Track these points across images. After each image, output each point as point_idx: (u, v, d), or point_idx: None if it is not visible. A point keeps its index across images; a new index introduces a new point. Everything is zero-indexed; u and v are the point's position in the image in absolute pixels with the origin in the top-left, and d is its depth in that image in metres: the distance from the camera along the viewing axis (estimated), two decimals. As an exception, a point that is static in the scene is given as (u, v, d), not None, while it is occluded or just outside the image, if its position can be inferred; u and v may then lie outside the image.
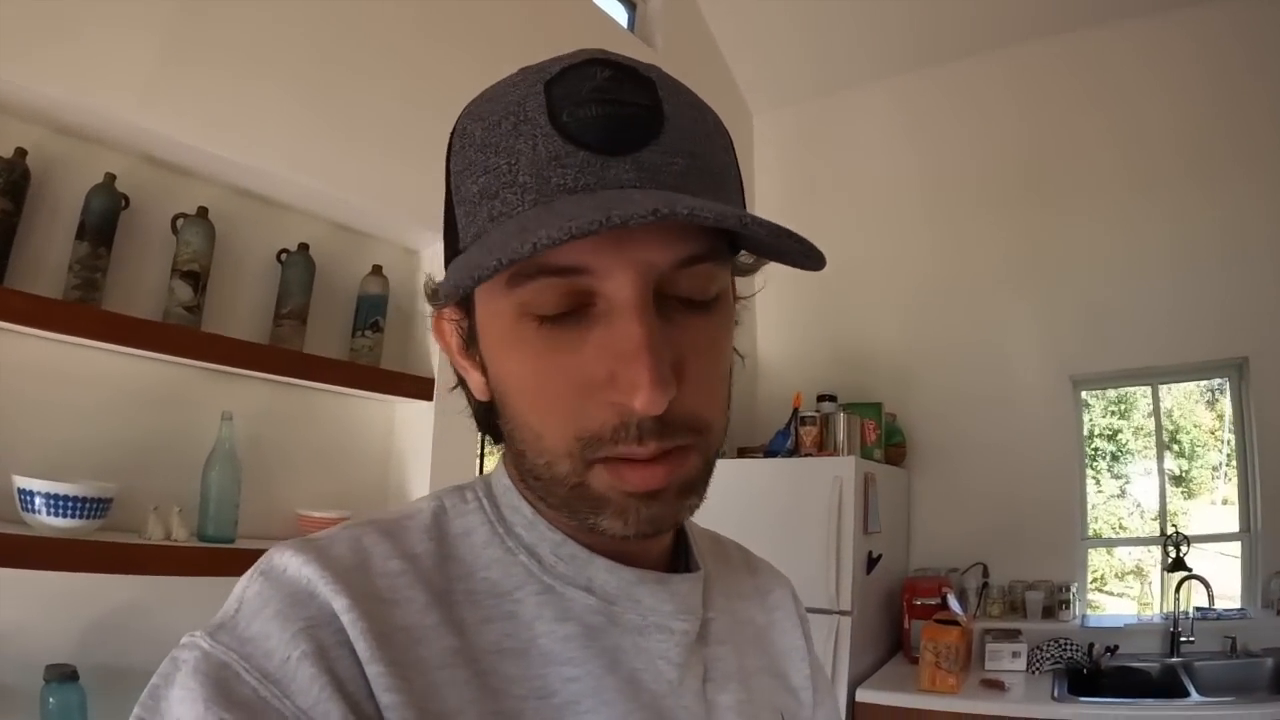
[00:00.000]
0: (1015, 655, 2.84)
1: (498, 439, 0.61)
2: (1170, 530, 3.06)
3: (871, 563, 3.02)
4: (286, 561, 0.52)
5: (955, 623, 2.78)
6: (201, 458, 1.90)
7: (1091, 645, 2.84)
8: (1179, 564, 2.91)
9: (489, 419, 0.60)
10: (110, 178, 1.83)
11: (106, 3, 1.77)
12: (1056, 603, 3.08)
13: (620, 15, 3.61)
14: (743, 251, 0.58)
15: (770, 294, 2.86)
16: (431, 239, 2.40)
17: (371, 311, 2.29)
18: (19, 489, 1.60)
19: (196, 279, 1.92)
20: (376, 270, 2.33)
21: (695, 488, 0.54)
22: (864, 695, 2.72)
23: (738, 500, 3.04)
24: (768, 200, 4.13)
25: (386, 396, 2.30)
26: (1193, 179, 3.17)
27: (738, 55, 4.08)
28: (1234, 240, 3.08)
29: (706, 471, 0.55)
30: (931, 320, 3.66)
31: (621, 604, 0.58)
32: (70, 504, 1.61)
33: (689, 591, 0.61)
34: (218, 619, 0.50)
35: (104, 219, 1.80)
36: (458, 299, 0.54)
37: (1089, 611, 3.24)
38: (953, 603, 2.95)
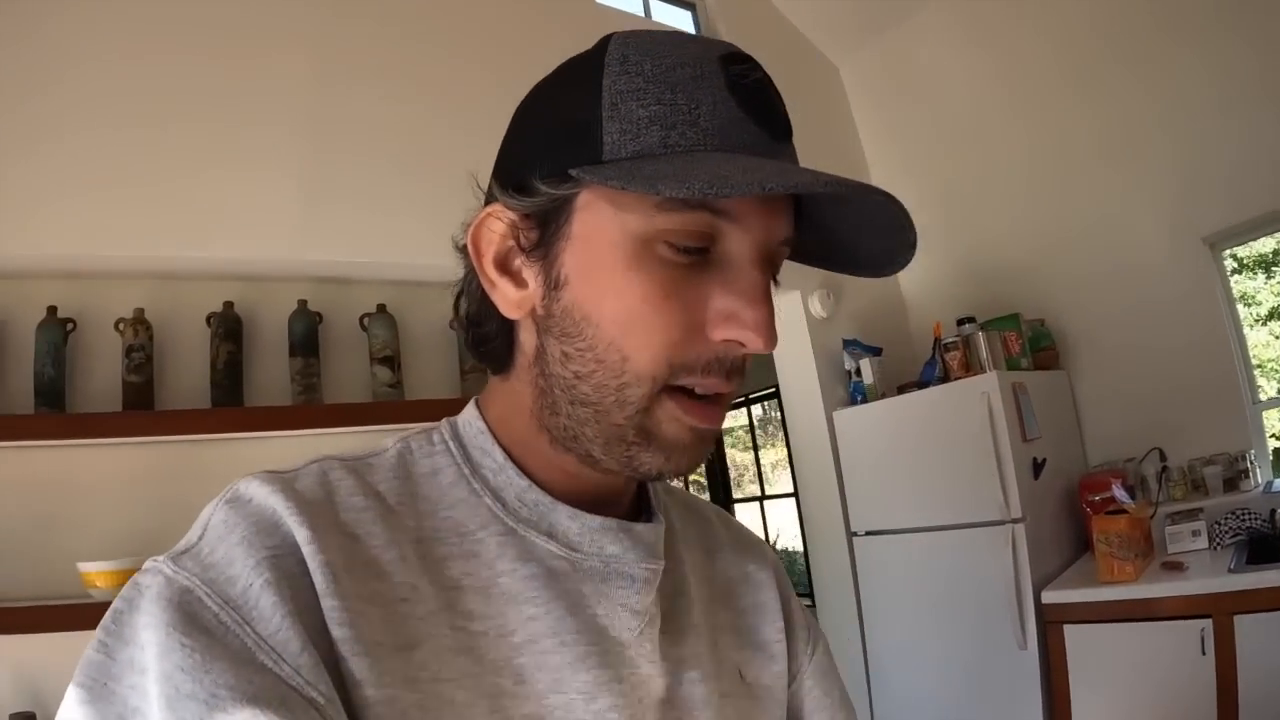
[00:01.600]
0: (1195, 534, 2.82)
1: (500, 366, 0.62)
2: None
3: (1037, 468, 3.09)
4: (253, 491, 0.52)
5: (1124, 511, 2.81)
6: None
7: (1273, 511, 2.74)
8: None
9: (500, 340, 0.61)
10: (303, 303, 2.38)
11: (247, 173, 2.35)
12: (1237, 473, 2.98)
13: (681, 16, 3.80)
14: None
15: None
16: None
17: None
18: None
19: (391, 361, 2.43)
20: None
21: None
22: (1049, 596, 2.81)
23: (904, 435, 3.25)
24: (875, 146, 4.23)
25: None
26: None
27: (800, 10, 4.16)
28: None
29: None
30: (1049, 216, 3.61)
31: (584, 550, 0.58)
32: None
33: (651, 539, 0.61)
34: (181, 545, 0.51)
35: (306, 335, 2.32)
36: (535, 206, 0.54)
37: (1273, 477, 3.10)
38: (1118, 492, 2.95)
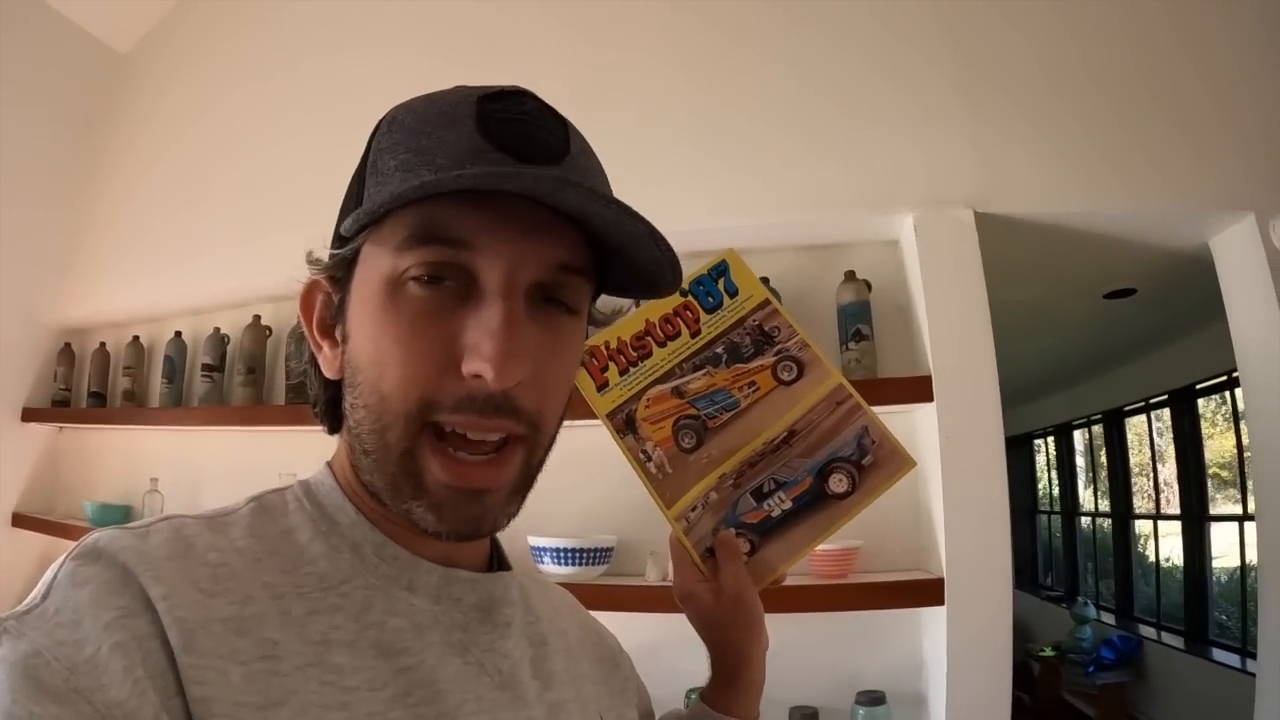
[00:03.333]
0: None
1: (335, 428, 0.64)
2: None
3: None
4: (102, 547, 0.51)
5: None
6: None
7: None
8: None
9: (331, 403, 0.63)
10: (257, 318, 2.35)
11: None
12: None
13: None
14: (600, 298, 0.65)
15: None
16: (933, 216, 2.08)
17: (852, 321, 2.07)
18: (532, 546, 1.99)
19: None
20: (849, 276, 2.12)
21: (520, 490, 0.59)
22: None
23: None
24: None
25: (888, 408, 2.00)
26: None
27: None
28: None
29: (531, 475, 0.60)
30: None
31: (444, 602, 0.60)
32: (571, 554, 1.96)
33: (504, 588, 0.64)
34: (26, 604, 0.48)
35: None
36: (329, 269, 0.59)
37: None
38: None
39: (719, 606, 0.82)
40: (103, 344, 3.08)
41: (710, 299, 0.89)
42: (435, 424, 0.54)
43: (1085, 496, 7.78)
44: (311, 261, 0.61)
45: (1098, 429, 7.19)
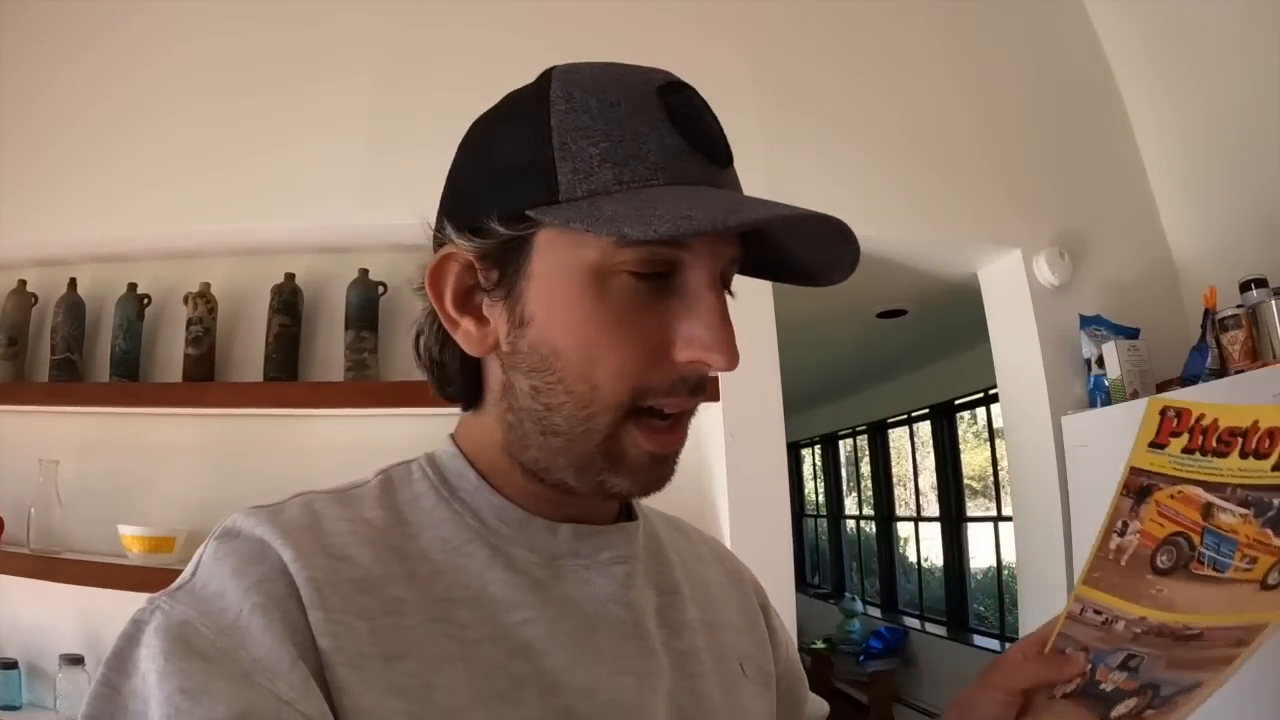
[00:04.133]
0: None
1: (470, 402, 0.65)
2: None
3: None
4: (240, 524, 0.55)
5: None
6: None
7: None
8: None
9: (468, 379, 0.64)
10: (364, 272, 2.24)
11: (315, 138, 2.29)
12: None
13: None
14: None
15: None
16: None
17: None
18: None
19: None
20: None
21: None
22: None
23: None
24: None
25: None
26: None
27: None
28: None
29: None
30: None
31: (563, 558, 0.61)
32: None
33: (624, 539, 0.65)
34: (177, 582, 0.53)
35: (363, 307, 2.21)
36: (491, 248, 0.57)
37: None
38: None
39: (998, 683, 0.75)
40: None
41: None
42: (643, 407, 0.56)
43: (849, 502, 8.38)
44: (464, 234, 0.58)
45: (862, 439, 7.79)
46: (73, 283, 2.34)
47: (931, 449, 6.47)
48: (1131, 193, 2.58)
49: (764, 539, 2.00)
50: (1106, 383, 2.36)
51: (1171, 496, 0.74)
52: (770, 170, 2.26)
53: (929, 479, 6.60)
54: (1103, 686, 0.71)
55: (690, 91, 0.59)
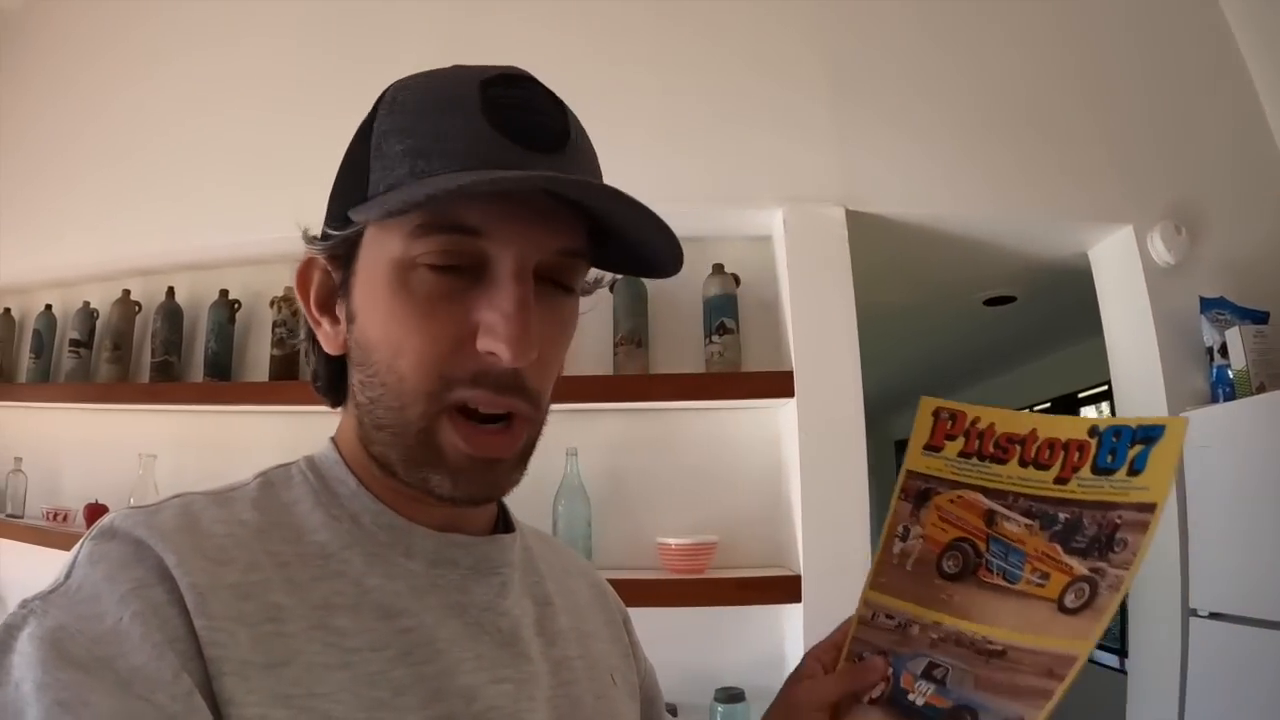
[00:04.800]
0: None
1: (337, 401, 0.67)
2: None
3: None
4: (117, 525, 0.54)
5: None
6: (553, 493, 2.02)
7: None
8: None
9: (333, 377, 0.65)
10: None
11: None
12: None
13: None
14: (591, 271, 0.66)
15: None
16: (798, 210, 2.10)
17: (717, 314, 2.07)
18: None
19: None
20: (717, 270, 2.13)
21: (524, 461, 0.61)
22: None
23: None
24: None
25: (751, 402, 2.07)
26: None
27: None
28: None
29: (531, 449, 0.62)
30: None
31: (441, 566, 0.62)
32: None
33: (500, 549, 0.65)
34: (50, 585, 0.51)
35: None
36: (330, 249, 0.60)
37: None
38: None
39: (800, 690, 0.76)
40: (-28, 316, 2.94)
41: (1110, 459, 0.71)
42: (452, 399, 0.56)
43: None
44: (310, 240, 0.62)
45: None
46: (170, 291, 2.50)
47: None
48: (1255, 159, 2.29)
49: (839, 543, 1.89)
50: (1230, 374, 2.09)
51: (951, 500, 0.74)
52: (844, 149, 2.14)
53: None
54: (911, 698, 0.71)
55: (523, 83, 0.59)
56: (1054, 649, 0.67)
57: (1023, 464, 0.73)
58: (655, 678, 0.88)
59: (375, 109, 0.60)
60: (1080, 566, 0.69)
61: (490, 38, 2.34)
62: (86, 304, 2.63)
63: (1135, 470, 0.70)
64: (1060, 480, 0.71)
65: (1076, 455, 0.72)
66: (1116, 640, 4.91)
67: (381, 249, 0.57)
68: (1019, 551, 0.71)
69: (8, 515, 2.61)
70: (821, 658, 0.78)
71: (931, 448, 0.77)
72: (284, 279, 2.39)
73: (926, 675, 0.71)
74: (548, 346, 0.59)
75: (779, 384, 1.96)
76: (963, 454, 0.75)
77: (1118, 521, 0.69)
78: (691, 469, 2.10)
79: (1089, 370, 4.65)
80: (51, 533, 2.43)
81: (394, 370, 0.57)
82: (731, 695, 1.82)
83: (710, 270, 2.13)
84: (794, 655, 1.90)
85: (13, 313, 2.84)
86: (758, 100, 2.18)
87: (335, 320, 0.63)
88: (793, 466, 1.97)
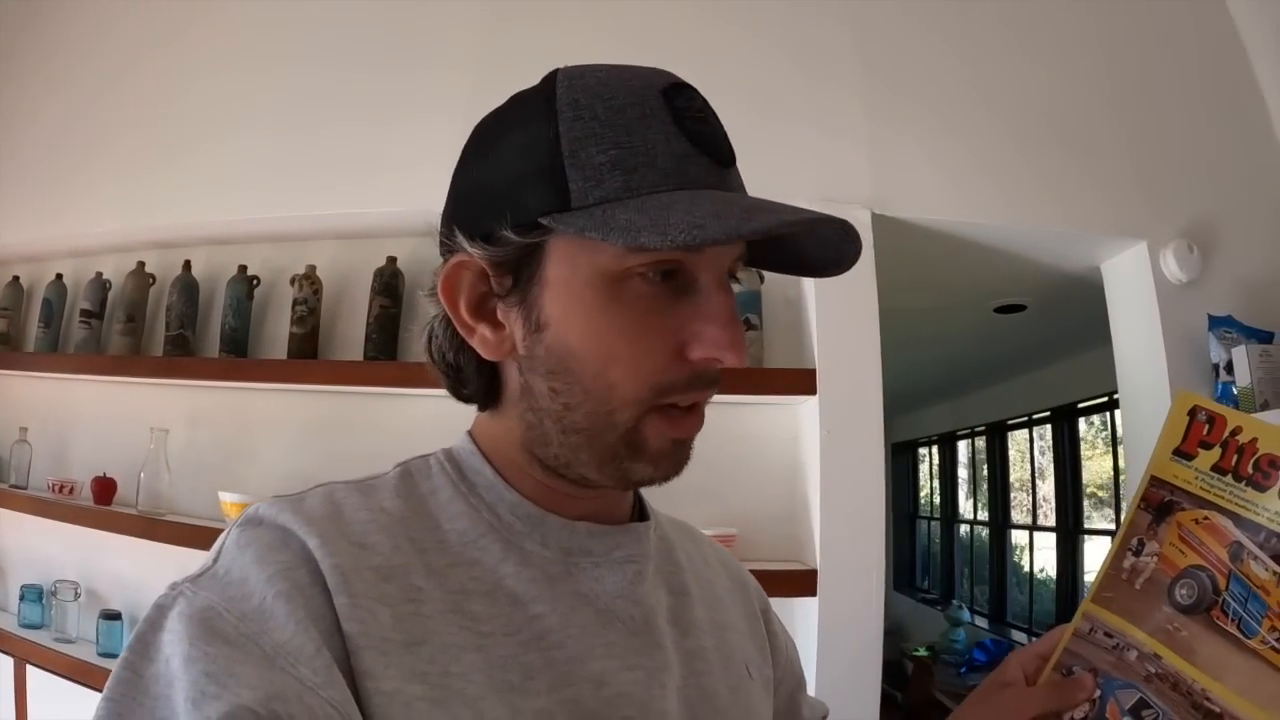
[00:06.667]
0: None
1: (486, 404, 0.67)
2: None
3: None
4: (263, 514, 0.57)
5: None
6: None
7: None
8: None
9: (484, 381, 0.65)
10: None
11: (416, 121, 2.30)
12: None
13: None
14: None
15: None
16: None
17: (741, 310, 1.78)
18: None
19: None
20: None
21: None
22: None
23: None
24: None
25: (772, 399, 2.09)
26: None
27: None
28: None
29: None
30: None
31: (575, 555, 0.63)
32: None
33: (635, 539, 0.66)
34: (198, 569, 0.54)
35: None
36: (513, 252, 0.58)
37: None
38: None
39: (1002, 697, 0.75)
40: (-22, 283, 2.91)
41: None
42: (664, 403, 0.58)
43: (965, 505, 8.06)
44: (472, 243, 0.60)
45: (981, 441, 7.44)
46: (187, 264, 2.48)
47: (1052, 454, 6.14)
48: (1266, 182, 2.35)
49: (856, 539, 1.92)
50: (1235, 391, 2.15)
51: (1196, 521, 0.67)
52: (875, 152, 2.17)
53: (1049, 485, 6.25)
54: None
55: (693, 92, 0.60)
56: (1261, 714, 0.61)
57: None
58: (799, 666, 0.88)
59: (553, 108, 0.57)
60: None
61: (531, 31, 2.35)
62: (99, 275, 2.61)
63: None
64: None
65: None
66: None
67: (587, 259, 0.57)
68: (1261, 601, 0.63)
69: (11, 485, 2.59)
70: (1026, 665, 0.76)
71: (1182, 454, 0.69)
72: (305, 256, 2.38)
73: (1134, 713, 0.66)
74: None
75: (801, 381, 1.98)
76: (1216, 468, 0.67)
77: None
78: (712, 463, 2.08)
79: (1092, 381, 4.73)
80: (55, 504, 2.43)
81: (604, 379, 0.57)
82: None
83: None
84: (805, 648, 1.92)
85: (21, 281, 2.82)
86: (791, 102, 2.21)
87: (496, 325, 0.62)
88: (812, 463, 2.00)
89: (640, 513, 0.72)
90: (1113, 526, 5.33)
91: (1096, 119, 2.31)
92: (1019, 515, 6.83)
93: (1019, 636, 6.11)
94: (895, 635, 7.38)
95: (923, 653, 6.34)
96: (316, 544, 0.54)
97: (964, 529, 8.00)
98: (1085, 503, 5.72)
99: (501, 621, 0.57)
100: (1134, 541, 0.70)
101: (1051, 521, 6.08)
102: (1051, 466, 6.11)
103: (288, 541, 0.54)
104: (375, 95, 2.37)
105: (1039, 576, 6.38)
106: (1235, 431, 0.67)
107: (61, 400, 2.70)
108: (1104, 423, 5.59)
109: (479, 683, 0.54)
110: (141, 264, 2.54)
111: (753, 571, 1.86)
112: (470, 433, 0.68)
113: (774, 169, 2.11)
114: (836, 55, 2.26)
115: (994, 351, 4.76)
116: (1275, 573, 0.63)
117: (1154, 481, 0.70)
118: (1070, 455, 5.84)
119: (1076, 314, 3.11)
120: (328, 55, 2.44)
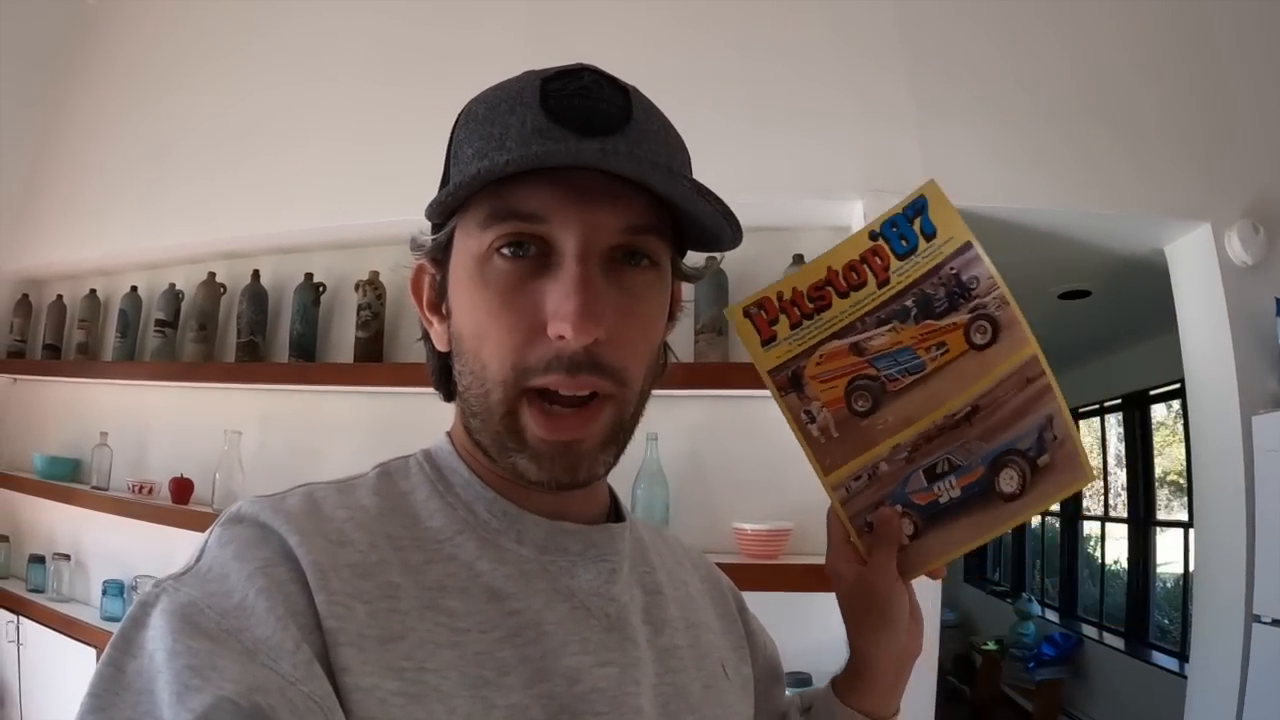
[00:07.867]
0: None
1: (449, 395, 0.68)
2: None
3: None
4: (245, 511, 0.57)
5: None
6: (633, 477, 2.06)
7: None
8: None
9: (445, 374, 0.67)
10: None
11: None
12: None
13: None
14: (688, 254, 0.68)
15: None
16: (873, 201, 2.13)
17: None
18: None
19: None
20: (798, 260, 2.13)
21: (612, 442, 0.62)
22: None
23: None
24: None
25: None
26: None
27: None
28: None
29: (622, 428, 0.62)
30: None
31: (551, 552, 0.63)
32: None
33: (609, 538, 0.67)
34: (181, 567, 0.55)
35: None
36: (430, 253, 0.64)
37: None
38: None
39: (857, 594, 0.78)
40: (59, 296, 3.06)
41: (904, 242, 0.77)
42: (530, 385, 0.58)
43: (1038, 496, 7.87)
44: (416, 246, 0.66)
45: (1054, 430, 7.24)
46: (256, 274, 2.58)
47: (1123, 442, 5.99)
48: None
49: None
50: (1307, 376, 2.07)
51: (818, 363, 0.78)
52: (925, 141, 2.15)
53: (1122, 474, 6.12)
54: (941, 501, 0.77)
55: (583, 75, 0.60)
56: (1008, 369, 0.76)
57: (843, 295, 0.77)
58: (778, 662, 0.88)
59: (455, 124, 0.64)
60: (960, 316, 0.76)
61: (574, 23, 2.39)
62: (172, 285, 2.73)
63: (929, 235, 0.77)
64: (883, 284, 0.77)
65: (877, 260, 0.77)
66: (1177, 644, 4.88)
67: (464, 245, 0.61)
68: (904, 349, 0.77)
69: (93, 487, 2.72)
70: (843, 558, 0.80)
71: (767, 341, 0.79)
72: (368, 263, 2.46)
73: (931, 477, 0.77)
74: (623, 321, 0.59)
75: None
76: (793, 326, 0.78)
77: (952, 270, 0.76)
78: (768, 457, 2.11)
79: (1161, 368, 4.61)
80: (134, 504, 2.54)
81: (479, 358, 0.59)
82: (799, 680, 1.84)
83: (790, 260, 2.14)
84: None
85: (98, 293, 2.95)
86: (841, 92, 2.20)
87: (443, 319, 0.65)
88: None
89: (616, 515, 0.73)
90: (1184, 517, 5.17)
91: (1153, 98, 2.26)
92: (1091, 505, 6.68)
93: (1089, 630, 5.96)
94: (964, 629, 7.27)
95: (991, 646, 6.23)
96: (296, 541, 0.54)
97: (1035, 520, 7.85)
98: (1160, 492, 5.57)
99: (477, 618, 0.58)
100: (802, 416, 0.79)
101: (1124, 512, 5.95)
102: (1124, 453, 5.97)
103: (268, 538, 0.55)
104: (433, 106, 2.41)
105: (1111, 568, 6.23)
106: (779, 296, 0.78)
107: (139, 405, 2.83)
108: (1177, 410, 5.42)
109: (454, 679, 0.54)
110: (212, 274, 2.65)
111: (807, 565, 1.91)
112: (449, 432, 0.70)
113: (824, 163, 2.12)
114: (882, 43, 2.25)
115: (1061, 338, 4.65)
116: (890, 329, 0.76)
117: (771, 374, 0.79)
118: (1142, 443, 5.69)
119: (1144, 299, 3.05)
120: (384, 68, 2.52)
